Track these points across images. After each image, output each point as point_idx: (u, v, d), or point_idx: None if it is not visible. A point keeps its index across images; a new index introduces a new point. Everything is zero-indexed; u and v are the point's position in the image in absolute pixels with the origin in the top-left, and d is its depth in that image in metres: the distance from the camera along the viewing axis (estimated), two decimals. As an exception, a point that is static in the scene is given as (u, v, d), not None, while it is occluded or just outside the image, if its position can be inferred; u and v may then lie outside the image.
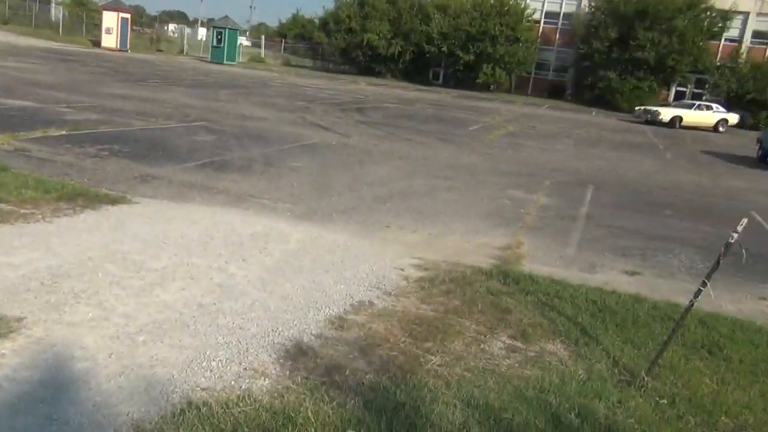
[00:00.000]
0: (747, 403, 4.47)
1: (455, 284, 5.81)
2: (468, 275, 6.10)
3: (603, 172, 14.31)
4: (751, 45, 42.09)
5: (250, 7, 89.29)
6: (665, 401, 4.32)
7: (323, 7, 63.81)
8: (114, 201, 7.10)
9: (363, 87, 35.56)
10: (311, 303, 4.96)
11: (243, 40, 55.65)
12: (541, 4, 46.51)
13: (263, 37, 60.52)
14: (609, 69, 40.82)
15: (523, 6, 43.86)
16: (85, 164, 8.96)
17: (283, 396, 3.48)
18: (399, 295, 5.40)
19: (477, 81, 42.90)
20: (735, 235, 4.08)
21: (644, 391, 4.36)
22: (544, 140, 19.44)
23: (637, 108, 34.11)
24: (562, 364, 4.53)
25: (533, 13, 44.98)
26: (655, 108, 32.20)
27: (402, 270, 6.09)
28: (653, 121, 30.81)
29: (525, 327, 5.06)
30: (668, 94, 43.42)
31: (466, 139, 17.14)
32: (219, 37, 43.67)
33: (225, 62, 42.99)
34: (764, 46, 42.24)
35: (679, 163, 17.93)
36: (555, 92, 45.89)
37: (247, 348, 4.08)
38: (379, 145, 14.20)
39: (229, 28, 44.06)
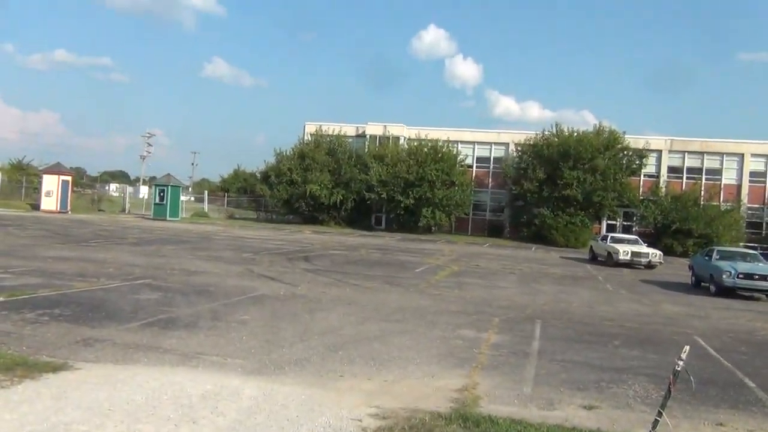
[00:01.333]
0: None
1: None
2: (427, 421, 5.96)
3: (549, 305, 14.59)
4: (668, 179, 45.26)
5: (192, 164, 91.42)
6: None
7: (264, 161, 65.83)
8: (55, 368, 6.78)
9: (308, 236, 36.05)
10: (268, 464, 4.72)
11: (185, 197, 56.29)
12: (471, 149, 49.40)
13: (206, 192, 61.45)
14: (541, 206, 42.92)
15: (455, 152, 46.44)
16: (24, 331, 8.60)
17: None
18: (359, 449, 5.21)
19: (419, 224, 44.23)
20: (680, 363, 4.21)
21: None
22: (489, 278, 19.84)
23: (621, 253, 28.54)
24: None
25: (465, 159, 47.67)
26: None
27: (360, 420, 5.92)
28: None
29: (491, 473, 4.91)
30: (600, 228, 45.54)
31: (413, 281, 17.34)
32: (161, 194, 44.10)
33: (168, 218, 43.12)
34: (679, 180, 45.45)
35: (620, 293, 18.48)
36: (494, 230, 47.60)
37: None
38: (328, 292, 14.20)
39: (172, 185, 44.66)
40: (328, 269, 19.05)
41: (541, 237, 42.64)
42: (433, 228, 45.97)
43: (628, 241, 30.21)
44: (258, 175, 55.32)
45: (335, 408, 6.25)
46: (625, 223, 45.54)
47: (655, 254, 28.52)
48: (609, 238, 31.07)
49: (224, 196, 60.15)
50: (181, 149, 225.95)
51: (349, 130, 50.68)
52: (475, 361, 8.63)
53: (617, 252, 28.07)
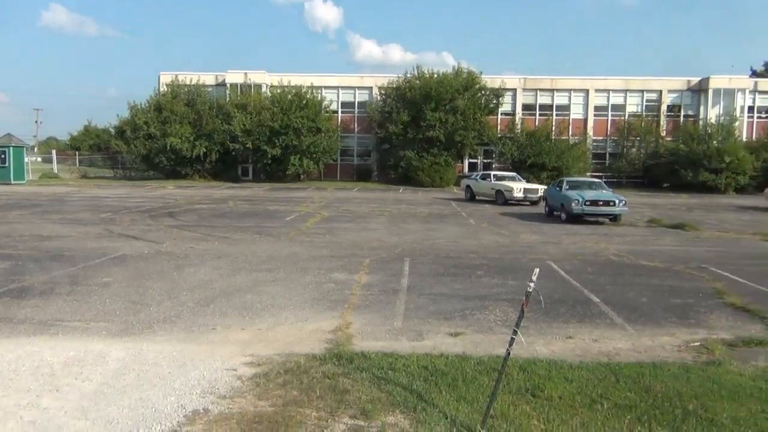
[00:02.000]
0: (571, 434, 4.89)
1: (291, 375, 5.77)
2: (303, 364, 6.09)
3: (417, 243, 15.13)
4: (522, 116, 47.67)
5: (36, 122, 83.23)
6: (502, 448, 4.59)
7: (117, 115, 61.42)
8: None
9: (171, 191, 34.64)
10: (140, 422, 4.65)
11: (30, 157, 51.90)
12: (336, 95, 49.14)
13: (54, 151, 56.99)
14: (407, 149, 43.83)
15: (320, 98, 46.01)
16: None
17: None
18: (234, 397, 5.24)
19: (287, 173, 43.74)
20: (531, 285, 4.56)
21: (482, 443, 4.61)
22: (359, 221, 20.18)
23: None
24: (404, 433, 4.65)
25: (330, 104, 47.34)
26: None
27: (235, 370, 5.94)
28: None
29: (364, 404, 5.14)
30: (462, 166, 47.38)
31: (284, 230, 17.28)
32: (2, 156, 40.41)
33: (13, 182, 39.71)
34: (533, 116, 48.03)
35: (482, 226, 19.49)
36: (362, 175, 48.13)
37: (73, 486, 3.70)
38: (196, 247, 13.85)
39: (14, 146, 41.00)
40: (194, 224, 18.50)
41: (408, 178, 43.72)
42: (301, 176, 45.69)
43: (511, 178, 30.16)
44: (112, 131, 51.75)
45: (209, 360, 6.21)
46: (485, 161, 47.68)
47: (542, 189, 27.79)
48: (492, 176, 30.67)
49: (75, 154, 56.10)
50: (22, 107, 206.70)
51: (208, 79, 48.57)
52: (348, 303, 8.85)
53: (511, 189, 27.76)
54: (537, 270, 4.72)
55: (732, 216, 25.06)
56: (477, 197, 30.40)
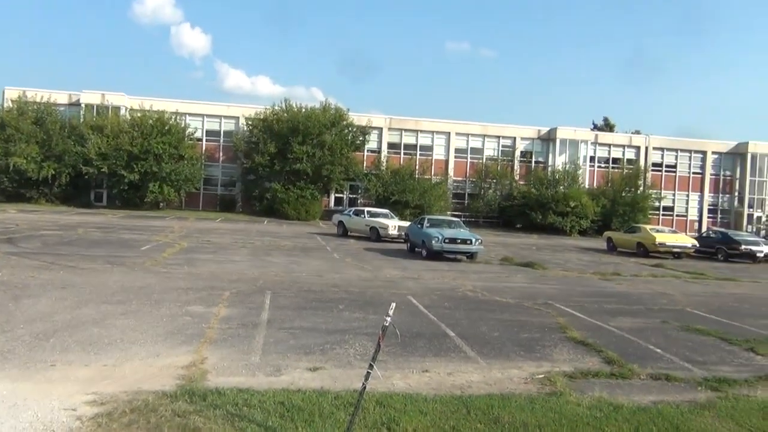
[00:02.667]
0: (424, 467, 4.98)
1: (137, 413, 5.45)
2: (151, 401, 5.77)
3: (279, 276, 14.94)
4: (388, 154, 49.03)
5: None
6: (356, 484, 4.59)
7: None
8: None
9: (13, 215, 31.84)
10: (-42, 471, 4.17)
11: None
12: (201, 122, 47.93)
13: None
14: (273, 180, 43.51)
15: (183, 125, 44.66)
16: None
17: None
18: (72, 439, 4.85)
19: (145, 200, 41.81)
20: (388, 319, 4.65)
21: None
22: (220, 252, 19.62)
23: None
24: (257, 472, 4.51)
25: (195, 132, 46.06)
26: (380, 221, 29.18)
27: (74, 410, 5.50)
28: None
29: (216, 443, 4.94)
30: (328, 200, 47.71)
31: (138, 260, 16.41)
32: None
33: None
34: (398, 155, 49.51)
35: (346, 260, 19.63)
36: (226, 205, 46.99)
37: None
38: (38, 276, 12.78)
39: None
40: (37, 251, 17.11)
41: (273, 211, 43.25)
42: (161, 204, 43.85)
43: (385, 215, 30.38)
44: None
45: (45, 400, 5.72)
46: (351, 196, 48.37)
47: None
48: (366, 212, 30.70)
49: None
50: None
51: (61, 97, 45.64)
52: (204, 337, 8.53)
53: (386, 227, 27.96)
54: (393, 305, 4.82)
55: (575, 256, 27.09)
56: (350, 233, 30.31)
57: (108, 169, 40.84)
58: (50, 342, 7.79)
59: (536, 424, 5.94)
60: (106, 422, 5.23)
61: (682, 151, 54.59)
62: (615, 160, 53.13)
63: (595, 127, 70.83)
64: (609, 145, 53.61)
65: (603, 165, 52.97)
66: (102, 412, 5.48)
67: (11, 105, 43.40)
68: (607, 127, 72.77)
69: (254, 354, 7.83)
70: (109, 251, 18.15)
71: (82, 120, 43.44)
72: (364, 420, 5.69)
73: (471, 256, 21.79)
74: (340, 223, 31.65)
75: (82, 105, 45.17)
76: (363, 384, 4.82)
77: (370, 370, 4.78)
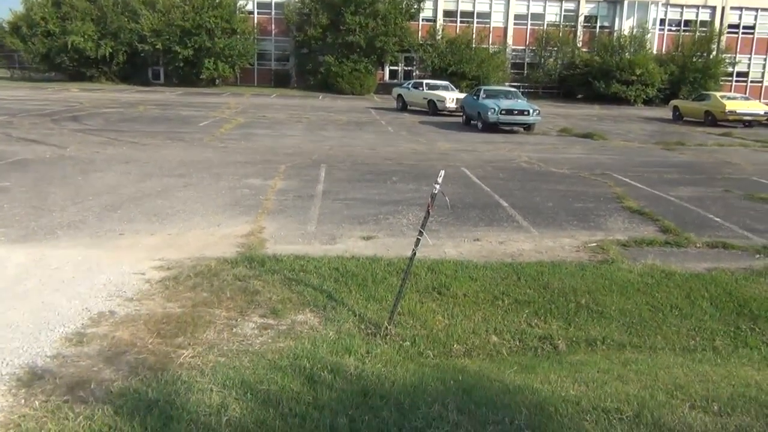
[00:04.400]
0: (473, 329, 5.18)
1: (201, 277, 5.77)
2: (213, 267, 6.08)
3: (334, 150, 15.05)
4: (444, 23, 47.01)
5: None
6: (407, 342, 4.82)
7: (9, 9, 55.87)
8: None
9: (75, 94, 32.63)
10: (43, 325, 4.57)
11: None
12: (251, -6, 46.77)
13: (-62, 48, 52.07)
14: (326, 54, 42.63)
15: (234, -2, 43.71)
16: None
17: (19, 425, 3.20)
18: (142, 299, 5.21)
19: (201, 76, 41.89)
20: (437, 186, 4.65)
21: (388, 338, 4.82)
22: (276, 128, 19.79)
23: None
24: (313, 331, 4.79)
25: (246, 5, 45.03)
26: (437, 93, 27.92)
27: (143, 274, 5.87)
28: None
29: (275, 304, 5.22)
30: (383, 74, 46.77)
31: (197, 135, 16.75)
32: None
33: None
34: (454, 24, 47.47)
35: (400, 134, 19.54)
36: (281, 81, 46.66)
37: (-30, 389, 3.64)
38: (102, 152, 13.26)
39: None
40: (101, 128, 17.63)
41: (327, 85, 42.76)
42: (217, 81, 43.90)
43: (444, 88, 29.32)
44: (5, 26, 47.54)
45: (116, 265, 6.10)
46: (406, 68, 47.20)
47: None
48: (424, 85, 29.64)
49: (-35, 52, 51.51)
50: None
51: (112, -29, 45.01)
52: (262, 208, 8.80)
53: (443, 99, 26.93)
54: (442, 172, 4.81)
55: (638, 126, 26.15)
56: (409, 107, 29.61)
57: (162, 46, 40.77)
58: (117, 213, 8.19)
59: (585, 289, 6.02)
60: (173, 285, 5.57)
61: (763, 9, 50.31)
62: (687, 23, 49.48)
63: (668, -13, 65.73)
64: (682, 6, 49.74)
65: (674, 28, 49.52)
66: (168, 276, 5.83)
67: (64, -20, 43.13)
68: (682, -14, 67.38)
69: (310, 224, 8.07)
70: (168, 127, 18.54)
71: (134, -5, 42.98)
72: (416, 285, 5.88)
73: (528, 127, 21.29)
74: (399, 96, 30.89)
75: (133, -21, 44.51)
76: (413, 250, 4.92)
77: (419, 237, 4.86)
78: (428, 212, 4.84)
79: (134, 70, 43.59)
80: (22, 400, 3.48)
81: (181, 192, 9.63)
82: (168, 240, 7.11)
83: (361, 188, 10.51)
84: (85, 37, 40.09)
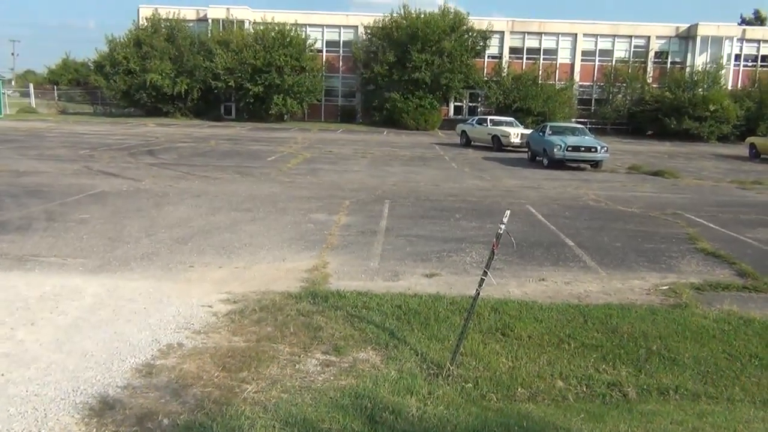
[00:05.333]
0: (538, 372, 5.04)
1: (266, 312, 5.86)
2: (278, 301, 6.17)
3: (398, 186, 15.15)
4: (509, 59, 47.06)
5: (12, 54, 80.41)
6: (470, 385, 4.74)
7: (95, 49, 59.28)
8: None
9: (152, 129, 34.15)
10: (114, 355, 4.72)
11: (7, 91, 50.67)
12: (320, 33, 48.10)
13: (31, 85, 55.59)
14: (392, 90, 43.27)
15: (304, 37, 45.03)
16: None
17: (91, 455, 3.30)
18: (209, 332, 5.33)
19: (270, 112, 43.19)
20: (502, 227, 4.60)
21: (450, 379, 4.75)
22: (341, 163, 20.11)
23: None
24: (374, 369, 4.77)
25: (315, 43, 46.36)
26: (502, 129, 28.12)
27: (210, 307, 6.01)
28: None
29: (337, 341, 5.24)
30: (448, 110, 47.05)
31: (265, 170, 17.20)
32: (-22, 89, 39.49)
33: (-11, 116, 38.94)
34: (520, 60, 47.44)
35: (464, 170, 19.51)
36: (347, 116, 47.62)
37: (46, 414, 3.79)
38: (175, 185, 13.77)
39: (-10, 79, 40.04)
40: (175, 162, 18.34)
41: (392, 121, 43.32)
42: (285, 116, 45.15)
43: (509, 124, 29.40)
44: (91, 65, 50.34)
45: (185, 297, 6.27)
46: (470, 104, 47.35)
47: None
48: (488, 121, 29.82)
49: (54, 89, 54.81)
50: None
51: (189, 13, 47.24)
52: (326, 243, 8.91)
53: (508, 135, 27.07)
54: (508, 212, 4.77)
55: (711, 164, 25.29)
56: (473, 143, 29.61)
57: (234, 83, 42.35)
58: (188, 246, 8.45)
59: (657, 335, 5.80)
60: (239, 319, 5.68)
61: None
62: (765, 58, 47.90)
63: (743, 22, 63.92)
64: (758, 41, 48.16)
65: (750, 63, 47.97)
66: (235, 309, 5.95)
67: (146, 23, 45.53)
68: (758, 20, 65.39)
69: (373, 260, 8.10)
70: (238, 162, 19.12)
71: (209, 35, 44.92)
72: (479, 325, 5.80)
73: (595, 164, 20.90)
74: (463, 132, 30.95)
75: (209, 20, 46.57)
76: (477, 290, 4.87)
77: (484, 277, 4.81)
78: (493, 252, 4.79)
79: (207, 106, 45.32)
80: (94, 430, 3.59)
81: (248, 226, 9.87)
82: (235, 273, 7.28)
83: (424, 225, 10.51)
84: (163, 75, 42.07)
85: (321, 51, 47.81)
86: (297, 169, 17.99)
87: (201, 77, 42.85)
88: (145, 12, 46.73)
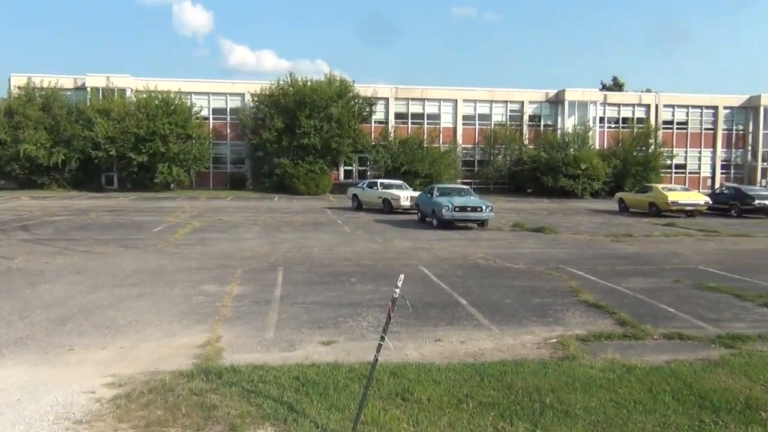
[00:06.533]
0: (439, 435, 5.04)
1: (155, 394, 5.54)
2: (168, 381, 5.87)
3: (291, 252, 15.02)
4: (395, 125, 48.74)
5: None
6: (372, 454, 4.66)
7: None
8: None
9: (25, 202, 32.11)
10: (-17, 457, 4.28)
11: None
12: (206, 101, 47.78)
13: None
14: (282, 156, 43.43)
15: (189, 104, 44.53)
16: None
17: None
18: (92, 421, 4.96)
19: (155, 181, 41.91)
20: (397, 291, 4.67)
21: (353, 449, 4.65)
22: (232, 231, 19.73)
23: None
24: (274, 446, 4.59)
25: (201, 111, 45.95)
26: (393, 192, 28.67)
27: (93, 392, 5.61)
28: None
29: (233, 419, 5.03)
30: (338, 174, 47.68)
31: (151, 242, 16.54)
32: None
33: None
34: (405, 125, 49.21)
35: (357, 234, 19.68)
36: (236, 183, 47.08)
37: None
38: (52, 262, 12.94)
39: None
40: (51, 237, 17.28)
41: (283, 186, 43.30)
42: (171, 185, 44.01)
43: (398, 187, 30.01)
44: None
45: (65, 383, 5.83)
46: (360, 168, 48.27)
47: None
48: (379, 184, 30.29)
49: None
50: None
51: (66, 82, 45.58)
52: (218, 315, 8.63)
53: (398, 198, 27.52)
54: (402, 276, 4.84)
55: (586, 219, 26.99)
56: (364, 206, 30.06)
57: (116, 152, 40.95)
58: (67, 327, 7.91)
59: (549, 388, 5.99)
60: (125, 403, 5.33)
61: (693, 107, 53.76)
62: (625, 120, 52.45)
63: (604, 87, 69.98)
64: (618, 105, 52.86)
65: (613, 125, 52.34)
66: (120, 393, 5.58)
67: (18, 92, 43.40)
68: (617, 86, 71.79)
69: (268, 330, 7.91)
70: (121, 234, 18.30)
71: (88, 104, 43.39)
72: (379, 391, 5.76)
73: (482, 223, 21.76)
74: (354, 196, 31.44)
75: (88, 89, 45.07)
76: (375, 356, 4.86)
77: (381, 342, 4.82)
78: (389, 317, 4.83)
79: (87, 176, 43.44)
80: None
81: (134, 302, 9.40)
82: (120, 354, 6.86)
83: (319, 291, 10.44)
84: (38, 145, 40.07)
85: (207, 118, 47.42)
86: (185, 239, 17.45)
87: (80, 147, 41.15)
88: (18, 81, 44.68)
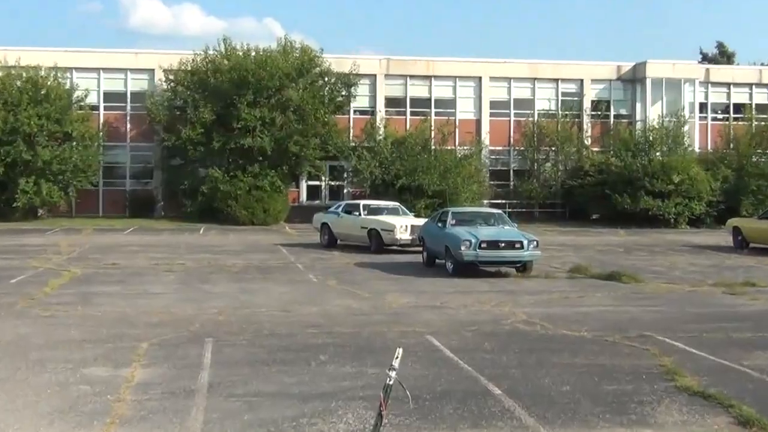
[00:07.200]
0: None
1: None
2: None
3: (226, 315, 14.94)
4: (386, 116, 48.49)
5: None
6: None
7: None
8: None
9: None
10: None
11: None
12: (96, 81, 47.77)
13: None
14: (211, 165, 43.30)
15: (69, 87, 44.47)
16: None
17: None
18: None
19: (14, 205, 41.75)
20: (392, 374, 4.60)
21: None
22: (134, 281, 19.66)
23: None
24: None
25: (86, 96, 45.67)
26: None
27: None
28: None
29: None
30: (299, 192, 47.63)
31: (7, 299, 16.45)
32: None
33: None
34: (402, 117, 49.23)
35: (328, 284, 19.62)
36: (140, 207, 46.98)
37: None
38: None
39: None
40: None
41: (213, 212, 43.15)
42: (40, 211, 43.97)
43: (393, 211, 30.10)
44: None
45: None
46: (333, 183, 48.25)
47: None
48: (362, 207, 30.12)
49: None
50: None
51: None
52: (111, 415, 8.49)
53: (392, 228, 27.16)
54: (400, 350, 4.79)
55: (684, 259, 27.09)
56: (339, 241, 30.30)
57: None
58: None
59: None
60: None
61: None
62: (738, 108, 52.66)
63: (705, 59, 70.60)
64: (728, 85, 53.11)
65: (720, 116, 52.72)
66: None
67: None
68: (724, 57, 72.54)
69: (190, 440, 7.81)
70: (-40, 288, 18.19)
71: None
72: None
73: (522, 267, 21.74)
74: (324, 226, 31.33)
75: None
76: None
77: (368, 460, 4.73)
78: (380, 415, 4.76)
79: None
80: None
81: (-21, 395, 9.27)
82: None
83: (270, 375, 10.34)
84: None
85: (97, 108, 47.46)
86: (61, 294, 17.37)
87: None
88: None
